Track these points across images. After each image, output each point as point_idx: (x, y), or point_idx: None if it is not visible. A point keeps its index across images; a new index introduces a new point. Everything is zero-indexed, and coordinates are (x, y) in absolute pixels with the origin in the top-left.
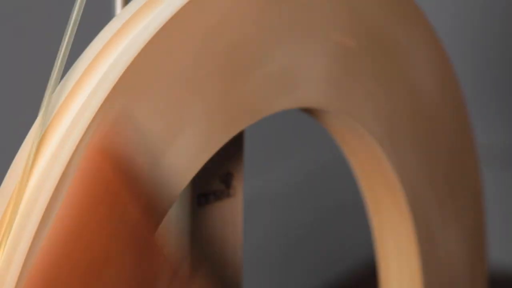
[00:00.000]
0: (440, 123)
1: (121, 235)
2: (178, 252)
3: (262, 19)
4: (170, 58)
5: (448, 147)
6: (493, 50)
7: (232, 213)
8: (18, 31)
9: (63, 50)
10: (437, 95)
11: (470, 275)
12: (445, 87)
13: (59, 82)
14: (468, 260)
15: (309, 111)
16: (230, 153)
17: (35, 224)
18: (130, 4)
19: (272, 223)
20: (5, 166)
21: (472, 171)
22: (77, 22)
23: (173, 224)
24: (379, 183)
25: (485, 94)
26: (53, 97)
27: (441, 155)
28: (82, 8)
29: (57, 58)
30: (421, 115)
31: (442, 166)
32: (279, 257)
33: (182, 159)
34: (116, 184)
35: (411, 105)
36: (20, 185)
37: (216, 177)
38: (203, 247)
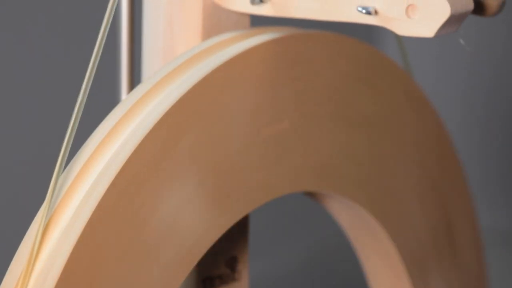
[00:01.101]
0: (441, 200)
1: None
2: None
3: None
4: (168, 149)
5: (448, 223)
6: (498, 134)
7: None
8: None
9: (69, 132)
10: (437, 172)
11: None
12: (445, 166)
13: (65, 165)
14: None
15: (309, 194)
16: (235, 237)
17: None
18: (132, 93)
19: None
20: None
21: (472, 247)
22: (82, 107)
23: None
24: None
25: (489, 176)
26: (59, 181)
27: (441, 229)
28: (88, 89)
29: (64, 141)
30: (423, 189)
31: (442, 237)
32: None
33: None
34: None
35: (411, 181)
36: (26, 270)
37: (221, 261)
38: None
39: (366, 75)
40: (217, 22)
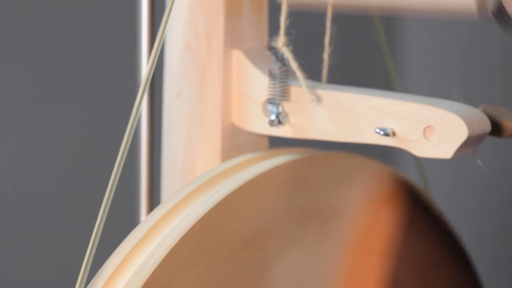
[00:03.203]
0: None
1: None
2: None
3: None
4: (186, 273)
5: None
6: None
7: None
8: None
9: (87, 255)
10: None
11: None
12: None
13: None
14: None
15: None
16: None
17: None
18: (151, 216)
19: None
20: None
21: None
22: (100, 229)
23: None
24: None
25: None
26: None
27: None
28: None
29: (83, 263)
30: None
31: None
32: None
33: None
34: None
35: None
36: None
37: None
38: None
39: (385, 195)
40: (236, 143)
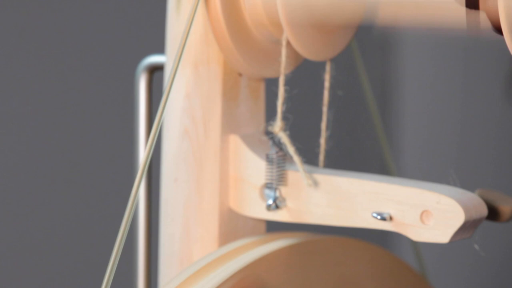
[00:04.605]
0: None
1: None
2: None
3: None
4: None
5: None
6: None
7: None
8: None
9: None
10: None
11: None
12: None
13: None
14: None
15: None
16: None
17: None
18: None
19: None
20: None
21: None
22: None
23: None
24: None
25: None
26: None
27: None
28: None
29: None
30: None
31: None
32: None
33: None
34: None
35: None
36: None
37: None
38: None
39: (382, 280)
40: (233, 228)
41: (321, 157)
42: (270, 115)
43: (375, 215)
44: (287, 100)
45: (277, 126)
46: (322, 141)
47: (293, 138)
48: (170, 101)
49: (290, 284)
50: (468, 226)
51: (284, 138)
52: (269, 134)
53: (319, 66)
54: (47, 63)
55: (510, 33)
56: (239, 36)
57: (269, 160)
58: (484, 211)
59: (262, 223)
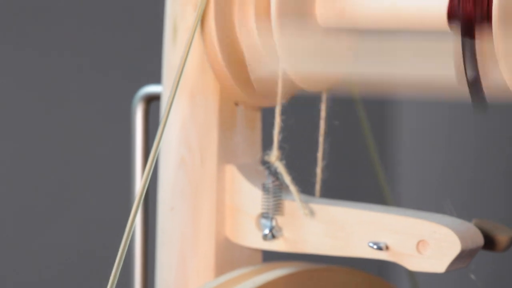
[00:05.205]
0: None
1: None
2: None
3: None
4: None
5: None
6: None
7: None
8: None
9: None
10: None
11: None
12: None
13: None
14: None
15: None
16: None
17: None
18: None
19: None
20: None
21: None
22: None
23: None
24: None
25: None
26: None
27: None
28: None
29: None
30: None
31: None
32: None
33: None
34: None
35: None
36: None
37: None
38: None
39: None
40: (230, 258)
41: (318, 186)
42: (266, 144)
43: (371, 244)
44: (283, 129)
45: (274, 156)
46: (319, 170)
47: (290, 168)
48: (166, 130)
49: None
50: (465, 256)
51: (280, 167)
52: (266, 163)
53: (315, 96)
54: (43, 91)
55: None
56: (235, 65)
57: (265, 189)
58: (480, 240)
59: (259, 252)
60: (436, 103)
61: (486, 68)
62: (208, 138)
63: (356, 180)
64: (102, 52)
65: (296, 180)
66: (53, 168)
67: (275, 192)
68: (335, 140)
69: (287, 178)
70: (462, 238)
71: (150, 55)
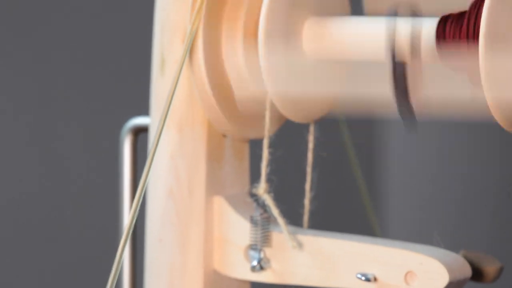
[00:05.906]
0: None
1: None
2: None
3: None
4: None
5: None
6: None
7: None
8: None
9: None
10: None
11: None
12: None
13: None
14: None
15: None
16: None
17: None
18: None
19: None
20: None
21: None
22: None
23: None
24: None
25: None
26: None
27: None
28: None
29: None
30: None
31: None
32: None
33: None
34: None
35: None
36: None
37: None
38: None
39: None
40: None
41: (305, 217)
42: (254, 175)
43: (359, 276)
44: (271, 162)
45: (262, 188)
46: (306, 202)
47: (278, 199)
48: (155, 162)
49: None
50: (453, 287)
51: (268, 200)
52: (254, 196)
53: (302, 127)
54: (30, 122)
55: None
56: (224, 97)
57: (253, 222)
58: (468, 272)
59: (247, 284)
60: (423, 134)
61: (417, 88)
62: (196, 170)
63: (344, 211)
64: (90, 84)
65: (284, 212)
66: (40, 201)
67: (263, 224)
68: (322, 171)
69: (275, 211)
70: (450, 270)
71: (138, 87)
